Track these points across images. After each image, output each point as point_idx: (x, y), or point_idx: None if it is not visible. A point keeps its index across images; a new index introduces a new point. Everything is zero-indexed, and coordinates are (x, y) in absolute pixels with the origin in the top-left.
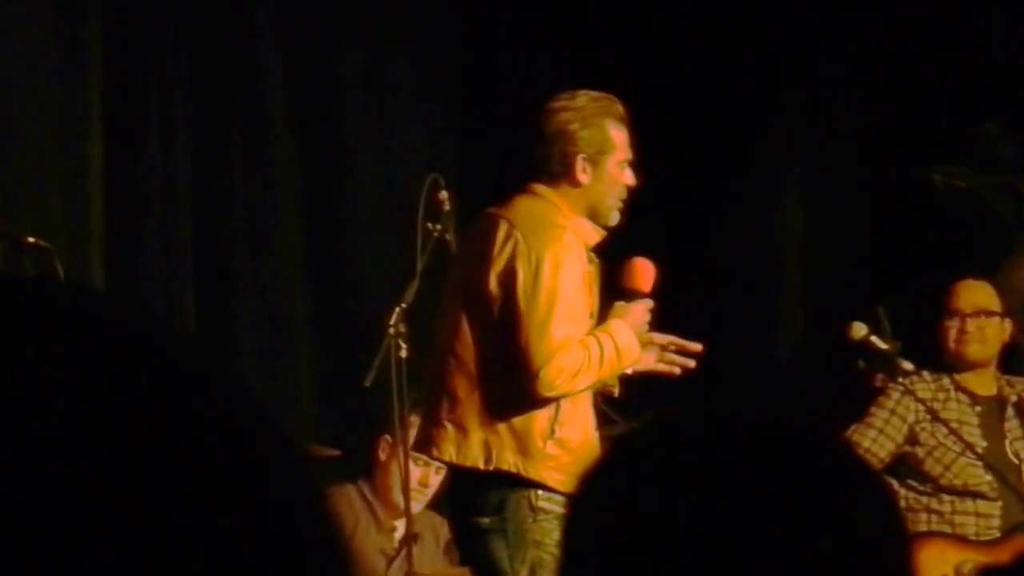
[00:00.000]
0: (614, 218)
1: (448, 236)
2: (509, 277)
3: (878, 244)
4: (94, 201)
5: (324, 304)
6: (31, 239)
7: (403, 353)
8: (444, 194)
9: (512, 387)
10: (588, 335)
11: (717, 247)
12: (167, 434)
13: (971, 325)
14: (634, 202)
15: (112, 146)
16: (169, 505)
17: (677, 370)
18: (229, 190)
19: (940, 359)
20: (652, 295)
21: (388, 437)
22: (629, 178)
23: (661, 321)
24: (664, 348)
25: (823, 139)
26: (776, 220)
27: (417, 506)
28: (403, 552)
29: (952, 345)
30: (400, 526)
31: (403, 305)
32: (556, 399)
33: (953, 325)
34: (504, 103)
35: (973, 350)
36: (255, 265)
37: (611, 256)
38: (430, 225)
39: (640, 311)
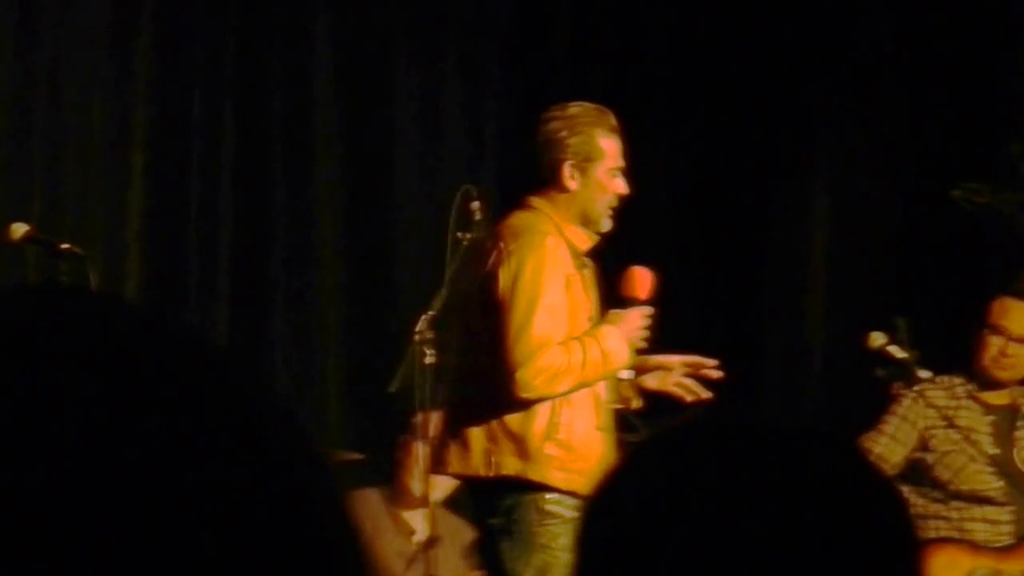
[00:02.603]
0: (605, 224)
1: None
2: (491, 283)
3: (902, 256)
4: (133, 211)
5: (360, 315)
6: (66, 246)
7: (428, 359)
8: (477, 204)
9: (502, 393)
10: (573, 338)
11: (744, 257)
12: (189, 439)
13: (1012, 349)
14: (661, 214)
15: (155, 158)
16: (188, 508)
17: (689, 397)
18: (270, 203)
19: (965, 366)
20: (653, 303)
21: (409, 436)
22: (620, 186)
23: (687, 330)
24: (677, 369)
25: (850, 153)
26: (802, 231)
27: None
28: (422, 554)
29: (988, 362)
30: (420, 526)
31: (431, 312)
32: (536, 401)
33: (996, 343)
34: None
35: (1007, 375)
36: (292, 275)
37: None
38: (460, 234)
39: (635, 318)
